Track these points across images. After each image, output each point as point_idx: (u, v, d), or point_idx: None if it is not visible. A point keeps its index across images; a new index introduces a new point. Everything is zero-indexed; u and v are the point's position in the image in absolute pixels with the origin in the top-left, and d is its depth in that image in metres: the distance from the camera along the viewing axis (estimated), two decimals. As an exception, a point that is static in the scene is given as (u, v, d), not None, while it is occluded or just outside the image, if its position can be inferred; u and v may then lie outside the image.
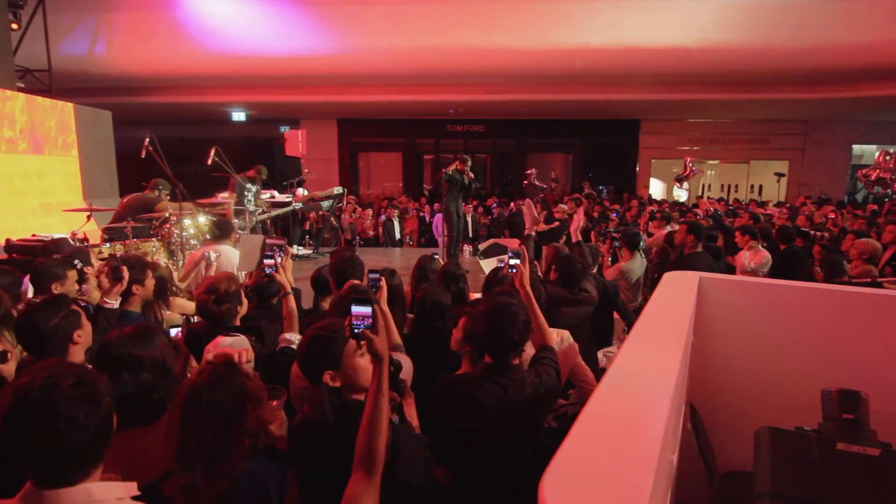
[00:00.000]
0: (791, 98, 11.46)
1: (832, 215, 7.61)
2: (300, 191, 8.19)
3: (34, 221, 6.50)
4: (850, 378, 1.78)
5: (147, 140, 4.83)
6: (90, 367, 1.10)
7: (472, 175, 6.40)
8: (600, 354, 3.03)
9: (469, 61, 9.82)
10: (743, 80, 10.92)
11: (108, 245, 4.74)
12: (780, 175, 12.93)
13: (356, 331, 1.29)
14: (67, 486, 0.99)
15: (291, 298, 2.26)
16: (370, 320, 1.30)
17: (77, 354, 1.76)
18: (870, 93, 10.52)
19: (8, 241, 5.00)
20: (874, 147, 14.42)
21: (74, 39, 8.54)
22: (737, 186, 16.37)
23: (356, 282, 2.23)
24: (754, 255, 4.55)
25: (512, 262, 2.17)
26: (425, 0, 7.95)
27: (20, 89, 7.51)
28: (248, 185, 6.22)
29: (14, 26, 7.66)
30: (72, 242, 4.27)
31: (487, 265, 6.46)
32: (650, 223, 7.33)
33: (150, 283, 2.52)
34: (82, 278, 2.75)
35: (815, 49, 8.95)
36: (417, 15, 8.14)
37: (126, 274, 2.30)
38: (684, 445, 1.98)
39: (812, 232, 5.42)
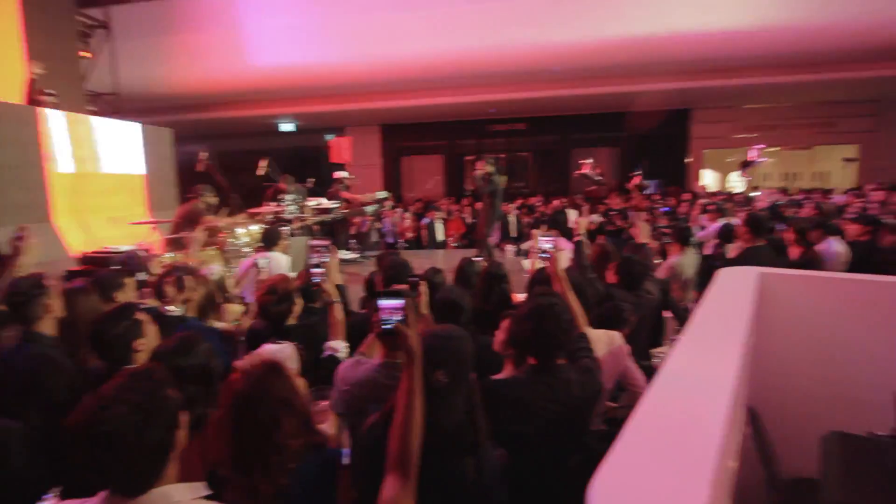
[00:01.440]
0: (859, 77, 10.63)
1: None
2: (343, 173, 8.30)
3: (102, 235, 6.96)
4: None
5: (205, 154, 5.11)
6: (161, 378, 1.12)
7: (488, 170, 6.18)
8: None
9: (510, 59, 9.74)
10: (804, 60, 10.22)
11: (170, 255, 5.04)
12: (849, 160, 11.95)
13: (386, 326, 1.22)
14: (140, 495, 1.02)
15: (338, 307, 2.26)
16: (402, 313, 1.22)
17: (142, 359, 1.87)
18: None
19: (83, 254, 5.51)
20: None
21: (139, 63, 9.15)
22: (799, 175, 15.35)
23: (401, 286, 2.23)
24: (829, 248, 4.23)
25: (545, 246, 2.07)
26: (464, 0, 7.94)
27: (91, 112, 8.12)
28: (284, 196, 6.38)
29: (88, 55, 8.30)
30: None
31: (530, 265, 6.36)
32: (702, 216, 7.01)
33: (202, 290, 2.66)
34: (142, 285, 2.93)
35: (885, 23, 8.25)
36: (457, 16, 8.16)
37: (189, 283, 2.43)
38: (743, 451, 1.88)
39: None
